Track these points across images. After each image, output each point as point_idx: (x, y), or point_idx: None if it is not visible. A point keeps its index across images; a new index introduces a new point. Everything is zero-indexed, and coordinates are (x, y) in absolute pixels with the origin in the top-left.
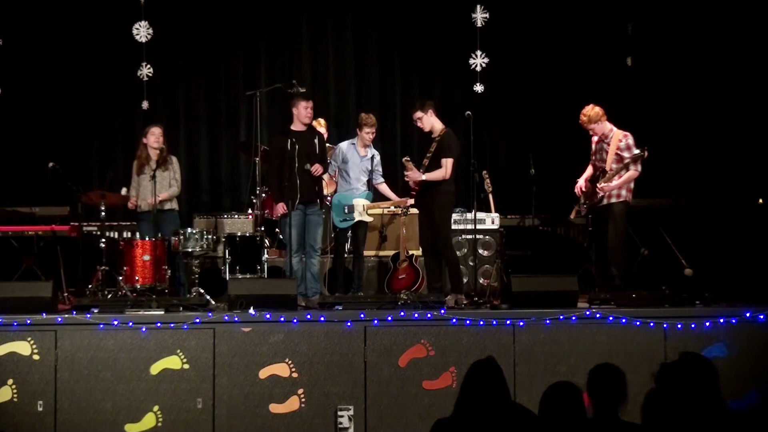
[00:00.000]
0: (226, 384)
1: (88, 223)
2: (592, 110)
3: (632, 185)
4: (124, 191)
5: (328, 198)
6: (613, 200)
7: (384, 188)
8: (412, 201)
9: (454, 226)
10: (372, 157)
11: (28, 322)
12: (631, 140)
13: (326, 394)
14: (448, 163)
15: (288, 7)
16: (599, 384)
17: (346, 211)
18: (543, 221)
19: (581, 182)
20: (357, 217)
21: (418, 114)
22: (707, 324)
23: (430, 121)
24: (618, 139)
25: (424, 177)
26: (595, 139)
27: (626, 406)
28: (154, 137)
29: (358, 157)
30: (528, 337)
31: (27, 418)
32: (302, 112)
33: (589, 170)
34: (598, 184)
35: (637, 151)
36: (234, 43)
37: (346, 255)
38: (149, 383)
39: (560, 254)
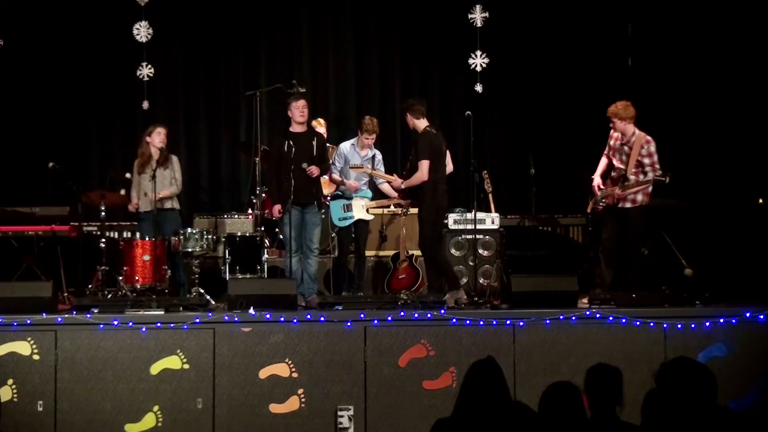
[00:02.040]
0: (226, 384)
1: (88, 223)
2: (625, 107)
3: (650, 189)
4: (128, 175)
5: (327, 198)
6: (628, 205)
7: (386, 188)
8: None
9: (454, 226)
10: (373, 157)
11: (28, 322)
12: (653, 147)
13: (326, 394)
14: (422, 166)
15: (288, 7)
16: (597, 384)
17: (345, 210)
18: (543, 221)
19: (597, 179)
20: (357, 216)
21: (404, 112)
22: (707, 324)
23: (411, 122)
24: (640, 145)
25: (403, 186)
26: (615, 135)
27: (624, 406)
28: (160, 138)
29: (358, 157)
30: (528, 337)
31: (27, 418)
32: (295, 112)
33: (603, 164)
34: (616, 190)
35: (658, 174)
36: (234, 43)
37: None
38: (149, 383)
39: (560, 254)
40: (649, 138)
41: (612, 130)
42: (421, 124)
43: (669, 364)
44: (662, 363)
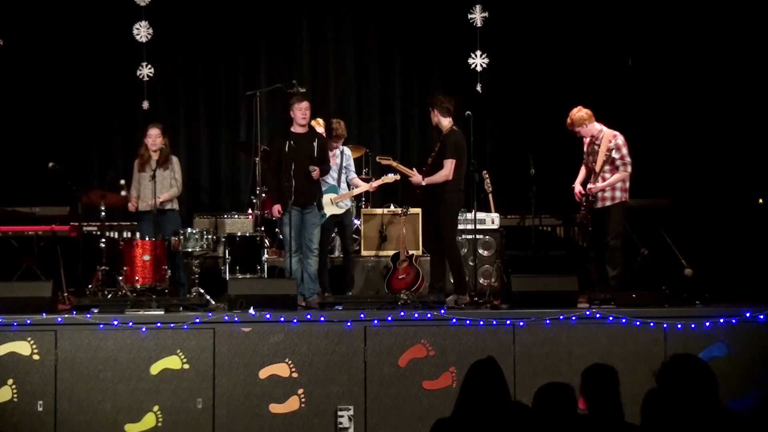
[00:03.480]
0: (226, 384)
1: (88, 223)
2: (577, 113)
3: (627, 185)
4: (122, 182)
5: None
6: (608, 203)
7: (356, 181)
8: (379, 182)
9: None
10: (342, 153)
11: (28, 322)
12: (620, 140)
13: (326, 394)
14: (448, 164)
15: (288, 7)
16: (593, 384)
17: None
18: (543, 221)
19: (578, 187)
20: (328, 212)
21: (431, 107)
22: (707, 324)
23: (436, 118)
24: (608, 140)
25: (424, 183)
26: (587, 140)
27: (621, 405)
28: (151, 139)
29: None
30: (528, 337)
31: (27, 418)
32: (297, 114)
33: (582, 173)
34: (588, 185)
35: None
36: (234, 43)
37: (339, 255)
38: (149, 383)
39: (560, 254)
40: (616, 133)
41: (584, 139)
42: (447, 122)
43: (671, 362)
44: (663, 362)
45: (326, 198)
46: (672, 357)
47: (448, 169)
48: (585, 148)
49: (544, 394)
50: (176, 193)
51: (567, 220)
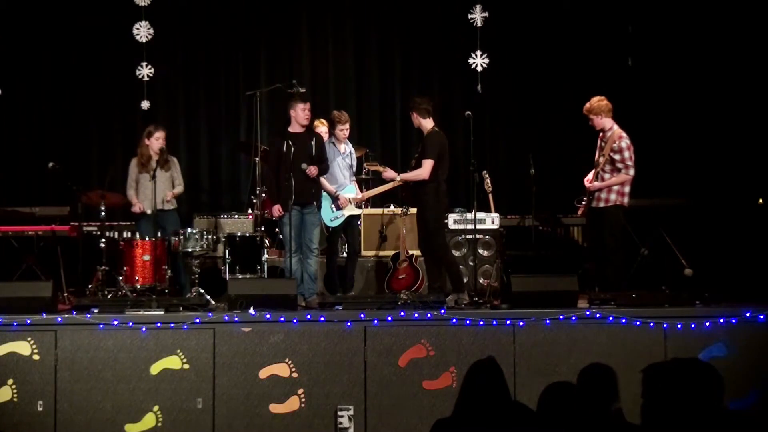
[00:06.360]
0: (226, 384)
1: (88, 223)
2: (597, 102)
3: (626, 189)
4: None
5: None
6: (602, 204)
7: (390, 174)
8: (394, 176)
9: (454, 226)
10: (351, 153)
11: (28, 322)
12: (624, 143)
13: (326, 394)
14: (426, 164)
15: (288, 7)
16: (591, 384)
17: (334, 209)
18: (543, 221)
19: (590, 176)
20: (347, 212)
21: (410, 111)
22: (707, 324)
23: (417, 120)
24: (613, 140)
25: (398, 178)
26: (601, 134)
27: (620, 405)
28: (159, 143)
29: (338, 154)
30: (528, 337)
31: (27, 418)
32: (300, 114)
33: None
34: (586, 182)
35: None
36: (234, 43)
37: (342, 255)
38: (149, 383)
39: (560, 254)
40: (622, 134)
41: (599, 131)
42: (428, 123)
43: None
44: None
45: (348, 197)
46: (671, 360)
47: (424, 169)
48: (598, 143)
49: (550, 393)
50: (181, 191)
51: (556, 221)
